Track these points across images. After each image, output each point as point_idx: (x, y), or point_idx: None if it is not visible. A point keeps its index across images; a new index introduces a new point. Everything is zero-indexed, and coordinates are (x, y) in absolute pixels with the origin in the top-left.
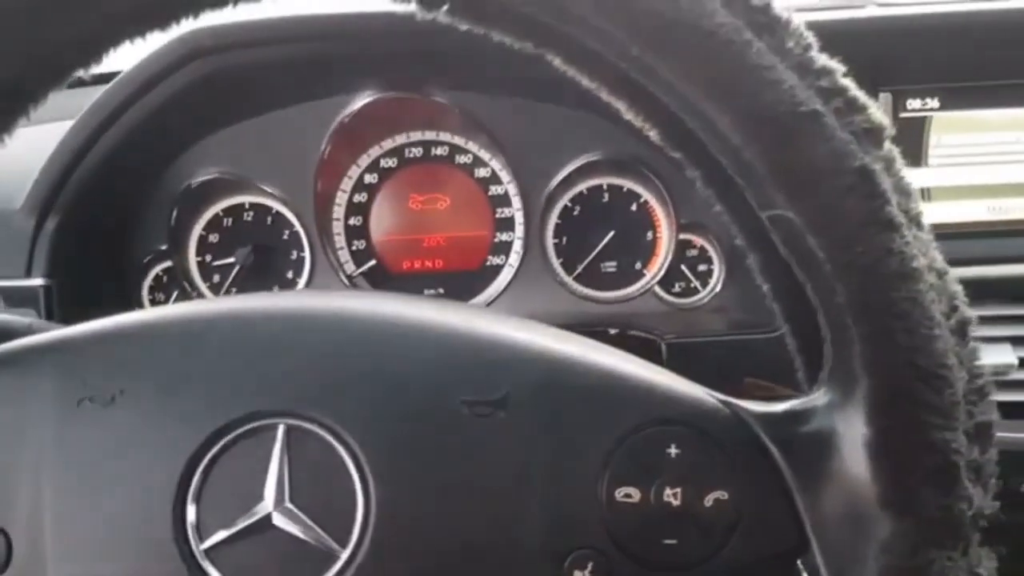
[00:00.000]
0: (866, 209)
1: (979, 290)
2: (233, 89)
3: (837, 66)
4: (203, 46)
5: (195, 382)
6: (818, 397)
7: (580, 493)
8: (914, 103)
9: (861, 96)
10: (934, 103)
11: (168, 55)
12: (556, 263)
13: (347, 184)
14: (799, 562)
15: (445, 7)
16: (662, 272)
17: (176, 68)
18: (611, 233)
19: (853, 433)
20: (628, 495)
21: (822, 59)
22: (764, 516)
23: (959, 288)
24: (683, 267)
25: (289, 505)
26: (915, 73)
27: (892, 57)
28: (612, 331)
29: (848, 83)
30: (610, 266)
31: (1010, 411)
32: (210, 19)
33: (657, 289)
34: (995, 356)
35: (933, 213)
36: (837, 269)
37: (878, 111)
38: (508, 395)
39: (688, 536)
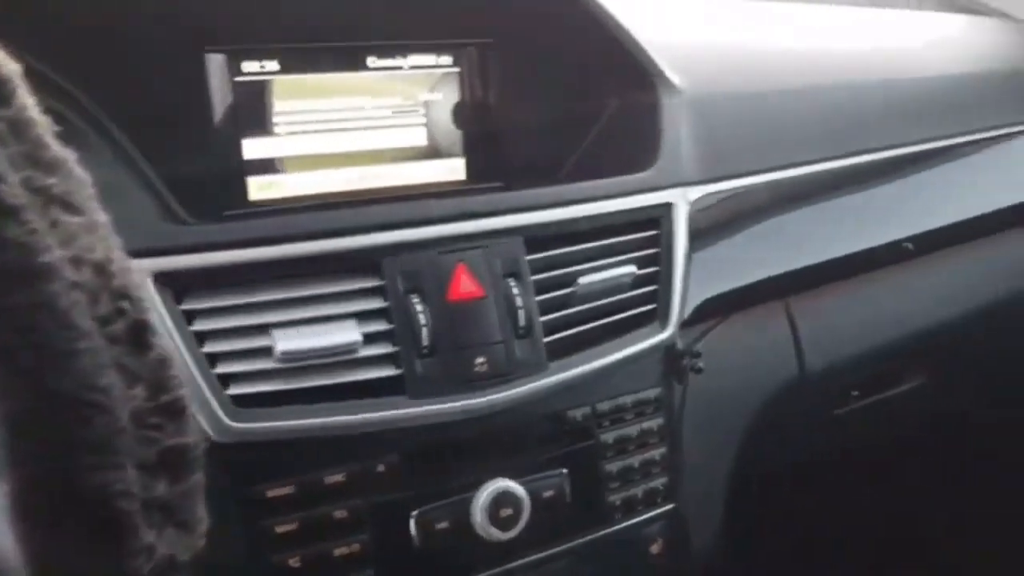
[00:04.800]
0: None
1: (331, 265)
2: None
3: None
4: None
5: None
6: None
7: None
8: (251, 66)
9: None
10: (273, 66)
11: None
12: None
13: None
14: None
15: None
16: None
17: None
18: None
19: None
20: None
21: None
22: None
23: (133, 282)
24: None
25: None
26: (250, 33)
27: (222, 15)
28: None
29: None
30: None
31: (356, 391)
32: None
33: None
34: (340, 335)
35: (289, 185)
36: None
37: (6, 59)
38: None
39: None
